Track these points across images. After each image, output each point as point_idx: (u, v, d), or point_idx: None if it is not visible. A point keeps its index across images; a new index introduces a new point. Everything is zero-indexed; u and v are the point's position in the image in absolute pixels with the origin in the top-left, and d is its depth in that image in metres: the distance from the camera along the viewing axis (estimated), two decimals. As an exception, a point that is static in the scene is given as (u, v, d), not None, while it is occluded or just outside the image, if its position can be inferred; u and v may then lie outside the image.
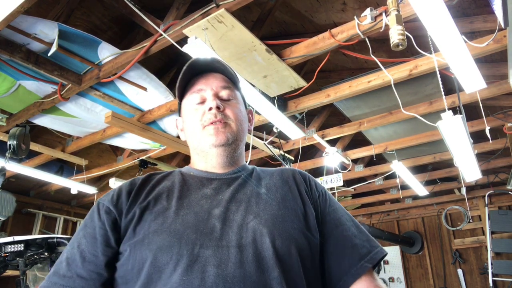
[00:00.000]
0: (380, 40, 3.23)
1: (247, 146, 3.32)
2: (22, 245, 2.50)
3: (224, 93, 0.92)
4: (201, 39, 2.26)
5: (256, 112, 3.14)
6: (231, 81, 0.96)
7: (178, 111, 0.99)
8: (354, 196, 7.12)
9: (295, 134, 3.54)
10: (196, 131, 0.89)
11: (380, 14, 2.22)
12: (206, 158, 0.90)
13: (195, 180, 0.88)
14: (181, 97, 0.96)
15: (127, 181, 0.90)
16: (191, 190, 0.84)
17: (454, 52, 2.21)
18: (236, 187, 0.85)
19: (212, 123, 0.87)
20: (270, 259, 0.72)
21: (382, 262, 7.57)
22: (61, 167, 5.13)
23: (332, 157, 4.38)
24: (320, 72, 2.83)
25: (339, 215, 0.89)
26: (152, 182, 0.88)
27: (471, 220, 6.95)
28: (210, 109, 0.87)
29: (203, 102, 0.91)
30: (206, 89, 0.91)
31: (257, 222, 0.77)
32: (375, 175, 5.68)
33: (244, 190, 0.85)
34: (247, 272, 0.69)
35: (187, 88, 0.95)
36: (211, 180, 0.87)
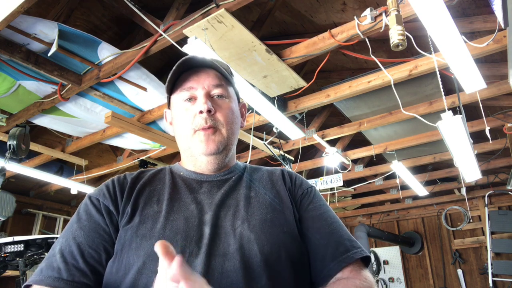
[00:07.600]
0: (380, 40, 3.23)
1: (248, 146, 3.32)
2: (22, 245, 2.51)
3: (216, 91, 0.87)
4: (201, 39, 2.26)
5: (256, 112, 3.14)
6: (224, 77, 0.90)
7: (168, 104, 0.94)
8: (354, 196, 7.13)
9: (295, 134, 3.54)
10: (187, 134, 0.85)
11: (380, 14, 2.22)
12: (196, 163, 0.87)
13: (185, 182, 0.85)
14: (170, 91, 0.90)
15: (118, 176, 0.86)
16: (182, 194, 0.82)
17: (454, 52, 2.21)
18: (227, 191, 0.83)
19: (202, 129, 0.83)
20: (258, 267, 0.70)
21: (382, 262, 7.66)
22: (61, 167, 5.13)
23: (332, 157, 4.38)
24: (320, 72, 2.83)
25: (320, 212, 0.85)
26: (142, 180, 0.85)
27: (471, 220, 6.95)
28: (201, 112, 0.82)
29: (193, 100, 0.86)
30: (198, 88, 0.85)
31: (245, 227, 0.75)
32: (375, 175, 5.68)
33: (234, 194, 0.83)
34: (234, 281, 0.67)
35: (177, 82, 0.89)
36: (201, 182, 0.85)
